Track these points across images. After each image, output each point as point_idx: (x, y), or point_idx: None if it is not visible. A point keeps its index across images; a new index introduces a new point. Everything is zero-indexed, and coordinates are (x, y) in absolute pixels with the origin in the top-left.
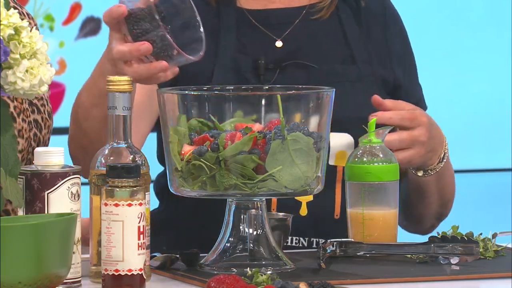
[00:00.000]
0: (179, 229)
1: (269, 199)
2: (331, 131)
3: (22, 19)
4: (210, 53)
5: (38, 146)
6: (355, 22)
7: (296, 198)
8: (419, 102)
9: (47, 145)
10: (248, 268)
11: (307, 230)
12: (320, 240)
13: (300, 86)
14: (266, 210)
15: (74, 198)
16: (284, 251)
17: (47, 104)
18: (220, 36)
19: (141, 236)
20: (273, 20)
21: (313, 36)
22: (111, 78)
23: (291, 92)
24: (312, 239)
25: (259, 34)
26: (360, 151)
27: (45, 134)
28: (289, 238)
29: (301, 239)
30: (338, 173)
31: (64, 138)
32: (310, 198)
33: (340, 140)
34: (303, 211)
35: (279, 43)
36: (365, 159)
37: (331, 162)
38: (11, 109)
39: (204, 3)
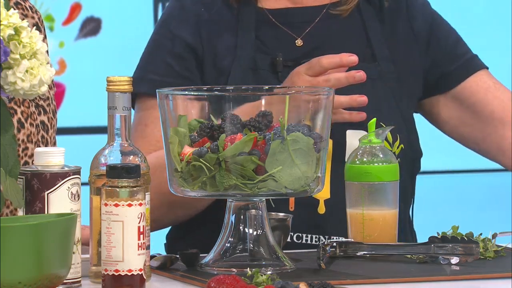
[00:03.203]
0: (202, 230)
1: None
2: (348, 128)
3: (26, 15)
4: (229, 53)
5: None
6: (377, 19)
7: (313, 196)
8: (463, 66)
9: (54, 144)
10: (248, 268)
11: (327, 228)
12: (340, 238)
13: (300, 87)
14: (267, 210)
15: (74, 198)
16: (302, 250)
17: (52, 103)
18: (238, 35)
19: (141, 236)
20: (294, 19)
21: (333, 34)
22: (111, 78)
23: (291, 92)
24: (332, 237)
25: (280, 33)
26: (360, 151)
27: (51, 134)
28: (309, 236)
29: (321, 237)
30: None
31: (64, 138)
32: (327, 195)
33: (356, 137)
34: (321, 209)
35: (299, 42)
36: (365, 159)
37: None
38: (19, 115)
39: (224, 4)
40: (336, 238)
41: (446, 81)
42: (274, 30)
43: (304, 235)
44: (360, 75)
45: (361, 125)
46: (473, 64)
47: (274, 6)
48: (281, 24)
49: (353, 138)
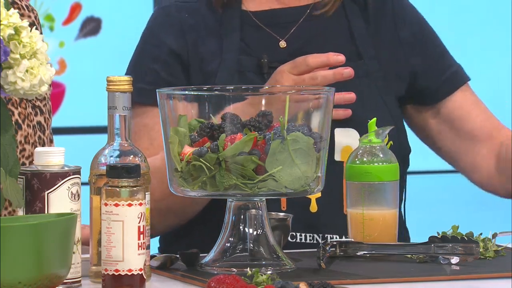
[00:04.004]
0: (200, 230)
1: None
2: (336, 127)
3: (22, 14)
4: (215, 57)
5: None
6: (362, 18)
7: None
8: (450, 79)
9: (51, 143)
10: (248, 268)
11: (320, 227)
12: (335, 236)
13: (301, 86)
14: (267, 210)
15: (74, 198)
16: (296, 249)
17: (48, 102)
18: (223, 39)
19: (141, 236)
20: (277, 20)
21: (317, 34)
22: (111, 78)
23: (291, 92)
24: (326, 235)
25: (263, 35)
26: (360, 151)
27: (48, 135)
28: (303, 235)
29: (315, 235)
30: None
31: (64, 138)
32: (318, 194)
33: (345, 135)
34: (313, 207)
35: (282, 44)
36: (365, 159)
37: (337, 158)
38: (16, 116)
39: (208, 9)
40: (330, 236)
41: (430, 95)
42: (258, 32)
43: (298, 234)
44: (349, 71)
45: (349, 124)
46: (458, 78)
47: (258, 8)
48: (265, 25)
49: (341, 136)
